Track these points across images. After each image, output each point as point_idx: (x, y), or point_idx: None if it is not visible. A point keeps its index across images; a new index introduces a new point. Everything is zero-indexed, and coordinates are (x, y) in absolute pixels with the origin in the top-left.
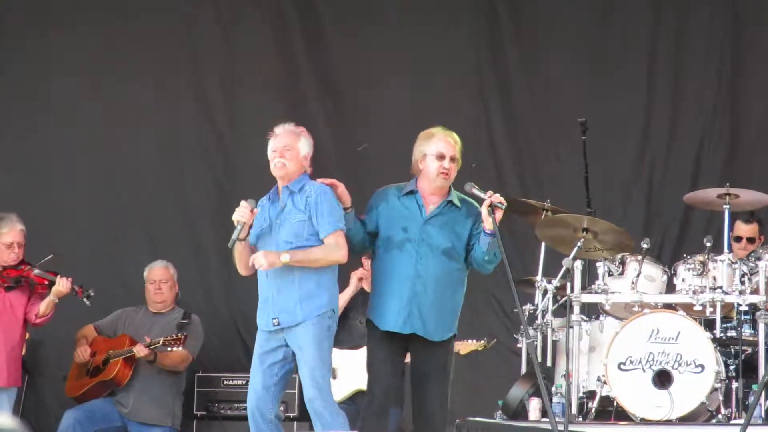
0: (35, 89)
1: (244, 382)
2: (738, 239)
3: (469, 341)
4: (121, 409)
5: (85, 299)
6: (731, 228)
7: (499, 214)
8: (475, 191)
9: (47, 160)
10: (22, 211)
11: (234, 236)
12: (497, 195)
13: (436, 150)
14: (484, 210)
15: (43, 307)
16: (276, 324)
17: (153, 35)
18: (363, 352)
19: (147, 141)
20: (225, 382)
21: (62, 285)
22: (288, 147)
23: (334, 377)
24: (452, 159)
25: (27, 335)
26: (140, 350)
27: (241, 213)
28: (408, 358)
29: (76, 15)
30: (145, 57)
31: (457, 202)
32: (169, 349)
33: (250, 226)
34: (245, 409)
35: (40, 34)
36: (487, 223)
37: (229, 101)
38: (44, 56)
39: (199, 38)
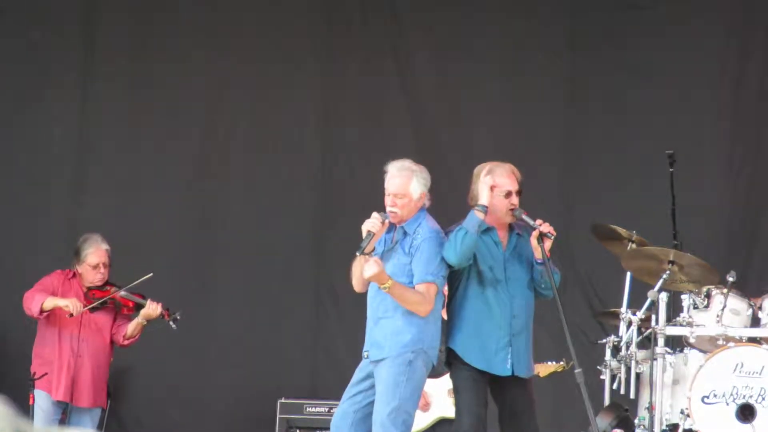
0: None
1: (327, 410)
2: None
3: (549, 363)
4: None
5: (171, 323)
6: None
7: (548, 244)
8: (526, 218)
9: (143, 182)
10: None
11: (363, 245)
12: (547, 224)
13: (504, 189)
14: (533, 240)
15: (131, 328)
16: (366, 357)
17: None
18: (444, 379)
19: (241, 170)
20: (308, 409)
21: (152, 309)
22: (400, 194)
23: None
24: (518, 193)
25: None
26: None
27: (372, 223)
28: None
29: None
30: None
31: (518, 230)
32: None
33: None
34: None
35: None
36: (537, 253)
37: (327, 132)
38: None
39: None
